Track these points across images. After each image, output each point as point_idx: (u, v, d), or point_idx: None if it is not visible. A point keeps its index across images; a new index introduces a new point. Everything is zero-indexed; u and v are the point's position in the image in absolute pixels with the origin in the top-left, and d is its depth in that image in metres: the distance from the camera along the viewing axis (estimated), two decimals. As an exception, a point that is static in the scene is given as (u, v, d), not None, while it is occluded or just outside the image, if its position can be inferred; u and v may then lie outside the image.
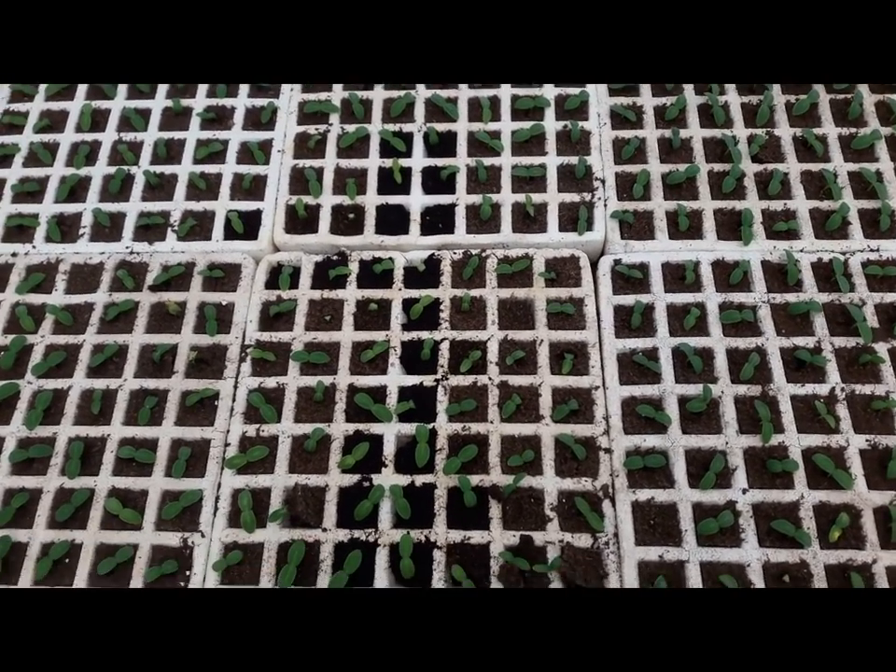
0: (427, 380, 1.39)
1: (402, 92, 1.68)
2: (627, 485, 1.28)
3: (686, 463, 1.29)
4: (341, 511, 1.29)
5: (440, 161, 1.61)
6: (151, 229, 1.57)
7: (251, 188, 1.61)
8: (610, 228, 1.51)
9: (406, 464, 1.33)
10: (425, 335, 1.43)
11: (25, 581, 1.26)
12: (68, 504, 1.30)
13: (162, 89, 1.73)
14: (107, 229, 1.58)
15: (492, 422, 1.35)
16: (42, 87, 1.74)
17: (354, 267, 1.51)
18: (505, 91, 1.67)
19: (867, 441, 1.30)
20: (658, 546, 1.24)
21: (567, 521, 1.27)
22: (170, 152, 1.65)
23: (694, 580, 1.20)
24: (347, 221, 1.57)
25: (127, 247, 1.55)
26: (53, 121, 1.71)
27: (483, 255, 1.51)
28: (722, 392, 1.35)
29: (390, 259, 1.52)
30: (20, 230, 1.59)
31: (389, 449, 1.34)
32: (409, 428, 1.35)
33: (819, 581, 1.19)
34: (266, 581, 1.24)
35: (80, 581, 1.25)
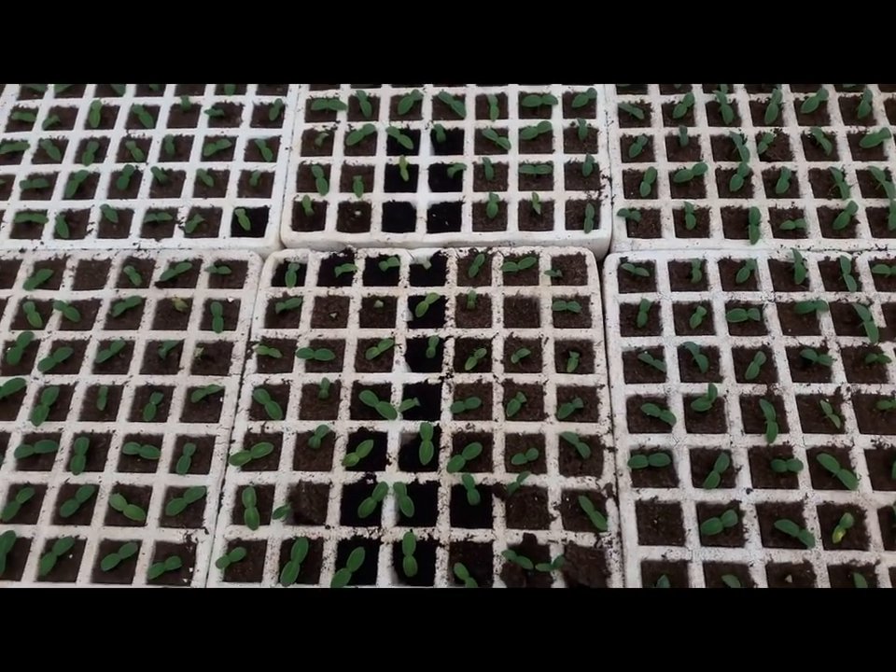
0: (432, 377, 1.39)
1: (410, 90, 1.68)
2: (631, 484, 1.28)
3: (690, 462, 1.29)
4: (344, 509, 1.30)
5: (447, 159, 1.61)
6: (159, 225, 1.58)
7: (258, 185, 1.61)
8: (617, 226, 1.51)
9: (410, 462, 1.33)
10: (430, 333, 1.44)
11: (29, 576, 1.26)
12: (73, 500, 1.31)
13: (171, 86, 1.73)
14: (115, 225, 1.58)
15: (496, 420, 1.34)
16: (52, 84, 1.75)
17: (360, 264, 1.51)
18: (512, 89, 1.67)
19: (872, 441, 1.29)
20: (661, 545, 1.23)
21: (571, 520, 1.27)
22: (178, 149, 1.66)
23: (697, 579, 1.20)
24: (354, 218, 1.57)
25: (134, 244, 1.55)
26: (62, 118, 1.72)
27: (490, 253, 1.51)
28: (728, 391, 1.34)
29: (396, 256, 1.52)
30: (28, 226, 1.59)
31: (393, 446, 1.34)
32: (413, 426, 1.35)
33: (823, 582, 1.19)
34: (269, 578, 1.24)
35: (84, 576, 1.26)
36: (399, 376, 1.40)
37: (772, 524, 1.23)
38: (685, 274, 1.46)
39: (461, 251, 1.52)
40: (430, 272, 1.51)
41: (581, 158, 1.59)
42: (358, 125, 1.65)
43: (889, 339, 1.37)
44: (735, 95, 1.64)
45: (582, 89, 1.66)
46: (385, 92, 1.69)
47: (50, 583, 1.26)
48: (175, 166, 1.63)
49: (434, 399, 1.38)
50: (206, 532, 1.29)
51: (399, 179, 1.59)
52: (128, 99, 1.72)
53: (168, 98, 1.72)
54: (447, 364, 1.40)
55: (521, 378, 1.38)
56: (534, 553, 1.24)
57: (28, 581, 1.26)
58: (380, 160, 1.62)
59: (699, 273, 1.44)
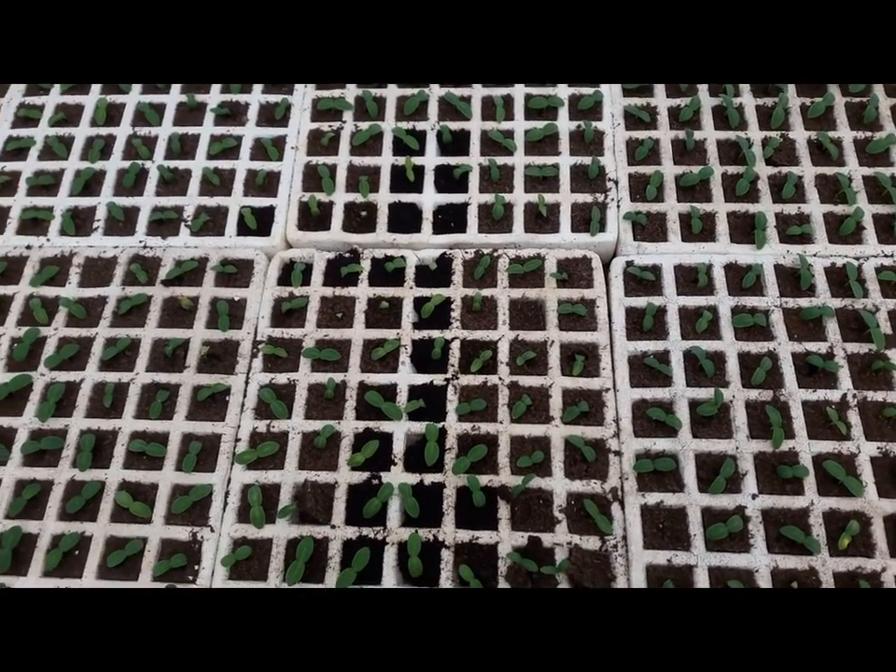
0: (438, 379, 1.39)
1: (416, 90, 1.68)
2: (637, 488, 1.28)
3: (696, 467, 1.29)
4: (350, 509, 1.30)
5: (452, 160, 1.61)
6: (165, 223, 1.58)
7: (264, 184, 1.61)
8: (623, 229, 1.51)
9: (415, 463, 1.33)
10: (436, 334, 1.44)
11: (35, 572, 1.26)
12: (79, 496, 1.31)
13: (177, 84, 1.73)
14: (121, 223, 1.58)
15: (502, 422, 1.35)
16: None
17: (366, 265, 1.51)
18: (518, 91, 1.67)
19: (878, 448, 1.29)
20: (666, 550, 1.23)
21: (576, 523, 1.27)
22: (184, 147, 1.66)
23: (702, 584, 1.20)
24: (360, 219, 1.57)
25: (140, 242, 1.55)
26: (69, 115, 1.71)
27: (495, 254, 1.51)
28: (734, 396, 1.34)
29: (402, 257, 1.52)
30: (34, 222, 1.59)
31: (399, 447, 1.34)
32: (419, 427, 1.35)
33: (828, 588, 1.19)
34: (274, 577, 1.24)
35: (90, 573, 1.26)
36: (405, 377, 1.40)
37: (777, 530, 1.23)
38: (691, 279, 1.46)
39: (467, 253, 1.52)
40: (436, 273, 1.51)
41: (587, 160, 1.59)
42: (364, 125, 1.66)
43: (896, 346, 1.38)
44: (741, 99, 1.64)
45: (588, 91, 1.66)
46: (391, 93, 1.69)
47: (56, 579, 1.26)
48: (182, 164, 1.63)
49: (439, 400, 1.38)
50: (212, 530, 1.29)
51: (405, 180, 1.59)
52: (134, 97, 1.72)
53: (174, 96, 1.72)
54: (452, 366, 1.40)
55: (526, 380, 1.38)
56: (539, 555, 1.24)
57: (34, 576, 1.26)
58: (386, 160, 1.62)
59: (705, 278, 1.45)
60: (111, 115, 1.71)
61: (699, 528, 1.24)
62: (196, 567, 1.26)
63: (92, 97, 1.72)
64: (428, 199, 1.57)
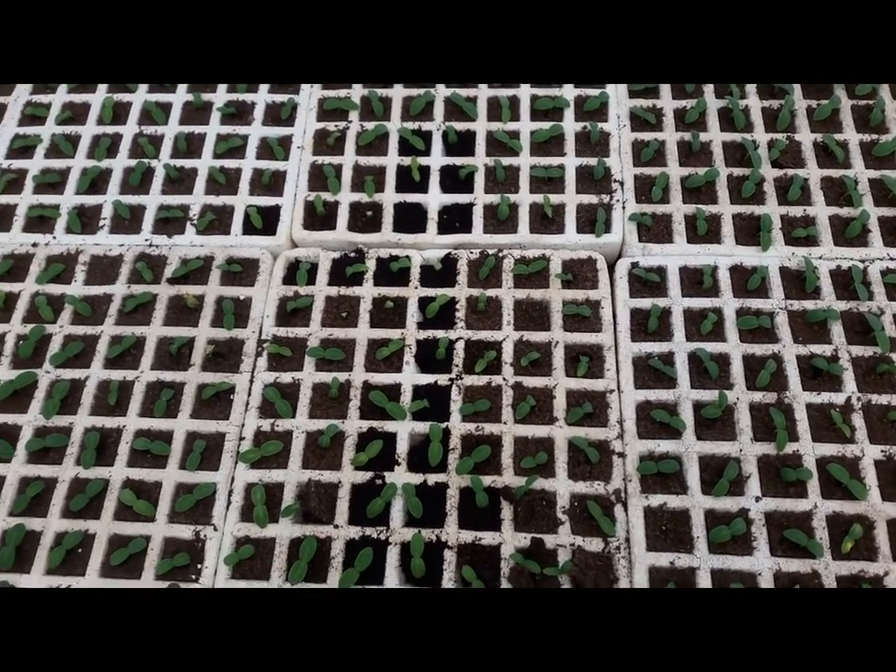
0: (442, 379, 1.40)
1: (422, 91, 1.68)
2: (640, 490, 1.28)
3: (700, 469, 1.29)
4: (353, 508, 1.30)
5: (458, 160, 1.61)
6: (170, 222, 1.58)
7: (270, 183, 1.61)
8: (628, 230, 1.51)
9: (419, 463, 1.33)
10: (440, 334, 1.44)
11: (38, 569, 1.27)
12: (83, 494, 1.31)
13: (183, 84, 1.73)
14: (127, 221, 1.58)
15: (505, 423, 1.35)
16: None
17: (371, 264, 1.52)
18: (524, 91, 1.67)
19: (882, 451, 1.29)
20: (669, 552, 1.23)
21: (579, 524, 1.27)
22: (190, 146, 1.66)
23: (705, 587, 1.20)
24: (365, 219, 1.57)
25: (146, 240, 1.56)
26: (75, 114, 1.72)
27: (500, 255, 1.51)
28: (738, 398, 1.34)
29: (407, 257, 1.52)
30: (40, 220, 1.60)
31: (402, 447, 1.34)
32: (422, 427, 1.35)
33: (831, 592, 1.19)
34: (277, 577, 1.25)
35: (93, 571, 1.26)
36: (409, 377, 1.40)
37: (780, 533, 1.23)
38: (696, 280, 1.46)
39: (472, 253, 1.52)
40: (441, 273, 1.51)
41: (592, 161, 1.59)
42: (370, 125, 1.66)
43: (900, 349, 1.38)
44: (747, 101, 1.64)
45: (594, 92, 1.66)
46: (397, 93, 1.69)
47: (59, 577, 1.26)
48: (188, 163, 1.64)
49: (443, 400, 1.38)
50: (215, 529, 1.29)
51: (411, 180, 1.59)
52: (140, 95, 1.72)
53: (180, 95, 1.72)
54: (457, 366, 1.40)
55: (530, 381, 1.38)
56: (542, 556, 1.24)
57: (37, 574, 1.26)
58: (391, 160, 1.62)
59: (710, 280, 1.44)
60: (118, 113, 1.71)
61: (702, 531, 1.24)
62: (199, 566, 1.26)
63: (99, 96, 1.73)
64: (434, 199, 1.57)
